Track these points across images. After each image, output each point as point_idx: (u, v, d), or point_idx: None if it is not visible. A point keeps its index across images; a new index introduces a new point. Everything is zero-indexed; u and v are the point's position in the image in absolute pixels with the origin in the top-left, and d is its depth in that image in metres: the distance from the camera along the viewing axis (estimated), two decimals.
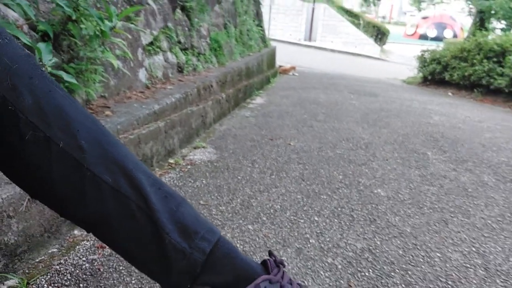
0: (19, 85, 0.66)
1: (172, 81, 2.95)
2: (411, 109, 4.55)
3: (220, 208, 1.55)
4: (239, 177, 1.90)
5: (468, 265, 1.30)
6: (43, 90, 0.69)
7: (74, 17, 1.59)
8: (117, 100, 2.10)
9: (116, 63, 1.82)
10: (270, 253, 0.88)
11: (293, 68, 8.37)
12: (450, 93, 7.65)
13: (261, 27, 7.35)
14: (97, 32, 1.74)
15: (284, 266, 0.87)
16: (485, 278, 1.23)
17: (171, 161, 2.03)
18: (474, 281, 1.21)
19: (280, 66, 7.94)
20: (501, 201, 1.90)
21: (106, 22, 1.73)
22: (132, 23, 2.37)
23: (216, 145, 2.41)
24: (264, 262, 0.86)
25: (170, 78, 3.01)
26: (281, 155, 2.30)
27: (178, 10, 3.46)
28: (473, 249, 1.41)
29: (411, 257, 1.32)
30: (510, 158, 2.70)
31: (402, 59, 18.94)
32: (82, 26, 1.68)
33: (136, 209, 0.73)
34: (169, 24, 3.16)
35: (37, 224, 1.24)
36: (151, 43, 2.78)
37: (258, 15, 7.44)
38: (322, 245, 1.34)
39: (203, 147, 2.33)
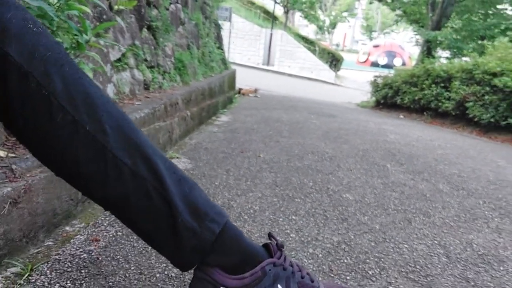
0: (52, 71, 0.72)
1: (139, 97, 2.99)
2: (367, 129, 4.81)
3: None
4: (216, 183, 1.98)
5: (432, 254, 1.44)
6: (73, 76, 0.75)
7: (53, 29, 1.63)
8: None
9: (92, 76, 1.86)
10: (270, 235, 0.94)
11: (253, 90, 8.57)
12: (401, 116, 8.10)
13: (222, 49, 7.51)
14: (73, 45, 1.78)
15: (284, 249, 0.94)
16: (448, 264, 1.37)
17: None
18: (439, 266, 1.35)
19: (240, 89, 8.11)
20: (456, 205, 2.08)
21: (83, 35, 1.78)
22: (102, 39, 2.42)
23: (190, 156, 2.47)
24: (266, 246, 0.92)
25: (136, 94, 3.05)
26: (253, 165, 2.40)
27: (145, 29, 3.53)
28: (435, 242, 1.56)
29: (382, 248, 1.44)
30: (461, 170, 2.94)
31: (355, 84, 19.80)
32: (58, 39, 1.72)
33: (152, 189, 0.79)
34: (136, 42, 3.22)
35: (17, 228, 1.25)
36: (119, 60, 2.82)
37: (219, 38, 7.62)
38: (302, 239, 1.44)
39: (177, 157, 2.39)
